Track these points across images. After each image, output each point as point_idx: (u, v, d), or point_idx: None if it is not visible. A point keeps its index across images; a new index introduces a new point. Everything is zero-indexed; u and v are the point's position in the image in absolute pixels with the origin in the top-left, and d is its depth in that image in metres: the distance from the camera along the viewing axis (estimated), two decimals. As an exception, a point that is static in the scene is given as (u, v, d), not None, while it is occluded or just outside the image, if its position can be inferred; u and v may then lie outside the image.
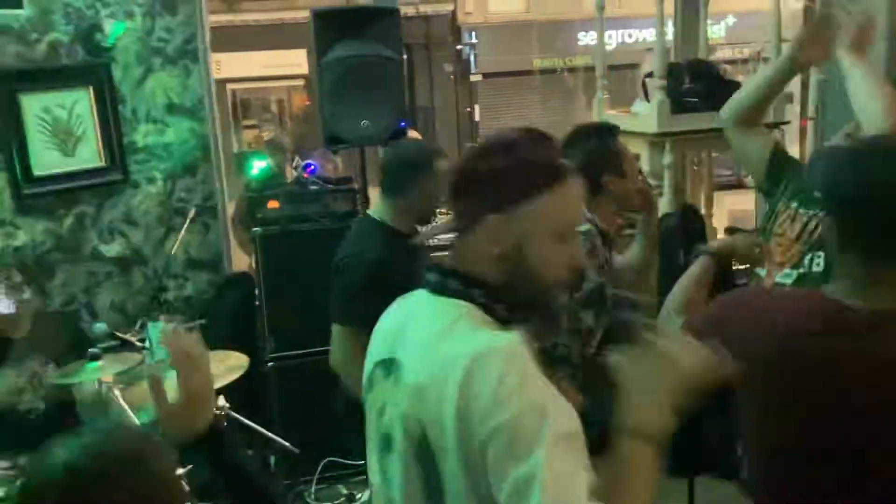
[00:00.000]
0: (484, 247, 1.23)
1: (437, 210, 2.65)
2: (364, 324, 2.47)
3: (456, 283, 1.25)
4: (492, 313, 1.23)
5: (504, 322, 1.22)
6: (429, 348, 1.20)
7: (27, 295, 2.78)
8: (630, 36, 15.04)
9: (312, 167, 4.12)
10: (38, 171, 3.44)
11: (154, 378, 1.34)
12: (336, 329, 2.52)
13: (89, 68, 3.53)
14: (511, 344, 1.14)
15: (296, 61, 12.80)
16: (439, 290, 1.27)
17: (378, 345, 1.37)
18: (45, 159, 3.46)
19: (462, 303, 1.23)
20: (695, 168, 4.85)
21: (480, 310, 1.22)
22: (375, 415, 1.32)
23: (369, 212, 2.68)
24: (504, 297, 1.23)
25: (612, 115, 4.34)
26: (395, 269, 2.47)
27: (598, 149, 2.27)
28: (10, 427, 2.71)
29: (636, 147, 4.07)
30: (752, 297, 1.60)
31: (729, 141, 2.27)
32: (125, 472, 1.01)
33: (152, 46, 3.69)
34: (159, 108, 3.75)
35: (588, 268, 2.13)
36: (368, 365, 1.37)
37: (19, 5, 3.30)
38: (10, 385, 2.76)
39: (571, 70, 14.15)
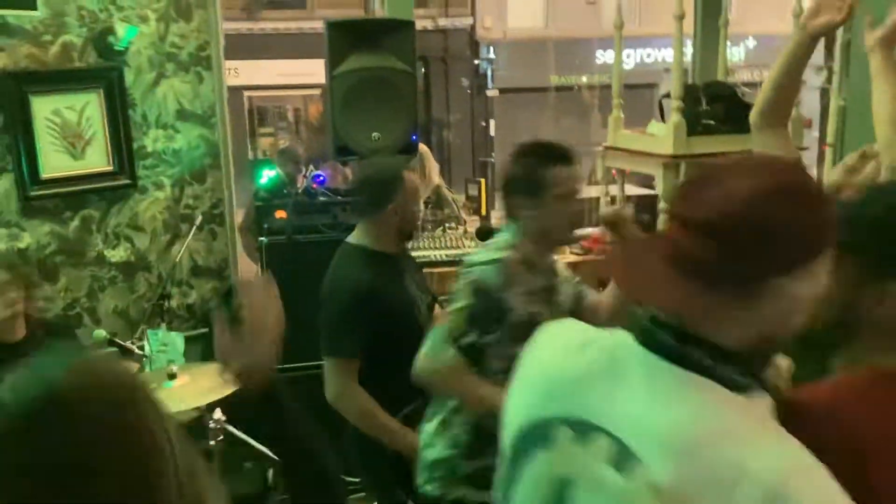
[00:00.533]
0: (752, 313, 0.99)
1: (419, 223, 2.62)
2: (354, 353, 2.44)
3: (705, 357, 1.00)
4: (735, 388, 1.00)
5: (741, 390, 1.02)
6: (690, 446, 0.96)
7: (14, 294, 2.73)
8: (648, 55, 15.00)
9: (322, 178, 4.09)
10: (45, 173, 3.42)
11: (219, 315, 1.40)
12: (328, 362, 2.46)
13: (101, 71, 3.51)
14: (810, 459, 0.95)
15: (312, 70, 12.83)
16: (675, 358, 1.01)
17: (547, 392, 1.12)
18: (53, 161, 3.44)
19: (708, 382, 1.00)
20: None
21: (722, 385, 1.00)
22: (547, 485, 1.08)
23: (348, 238, 2.62)
24: (749, 368, 1.02)
25: (627, 135, 4.29)
26: (381, 292, 2.42)
27: (522, 170, 2.09)
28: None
29: (650, 168, 4.02)
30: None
31: (753, 145, 2.20)
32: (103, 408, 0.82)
33: (165, 52, 3.67)
34: (170, 114, 3.73)
35: (517, 300, 2.04)
36: (525, 414, 1.13)
37: (33, 6, 3.28)
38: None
39: (589, 88, 14.10)
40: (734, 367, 1.00)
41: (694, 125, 3.84)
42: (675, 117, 3.78)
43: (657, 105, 4.44)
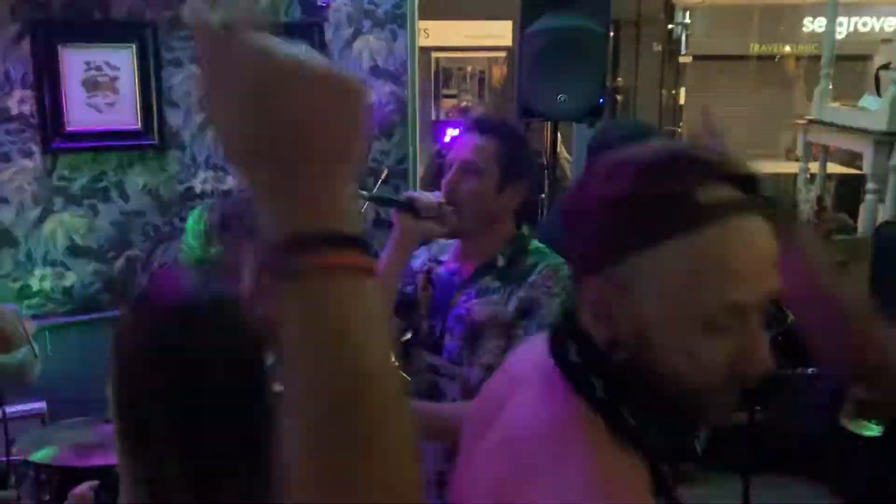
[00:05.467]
0: (588, 321, 0.86)
1: None
2: None
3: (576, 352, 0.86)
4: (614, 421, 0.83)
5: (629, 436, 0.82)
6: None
7: None
8: (864, 24, 13.71)
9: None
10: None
11: None
12: None
13: (304, 27, 3.68)
14: None
15: (500, 32, 12.81)
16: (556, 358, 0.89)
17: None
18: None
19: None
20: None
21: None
22: None
23: None
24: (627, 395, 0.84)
25: (835, 108, 3.97)
26: None
27: None
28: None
29: (859, 146, 3.70)
30: None
31: None
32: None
33: (363, 9, 3.79)
34: (364, 70, 3.85)
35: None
36: None
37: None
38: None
39: (795, 58, 13.15)
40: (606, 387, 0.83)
41: (915, 100, 3.49)
42: (893, 90, 3.44)
43: (873, 78, 4.08)
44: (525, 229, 1.96)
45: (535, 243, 1.94)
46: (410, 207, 1.78)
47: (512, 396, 0.91)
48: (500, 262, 1.88)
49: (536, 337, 0.98)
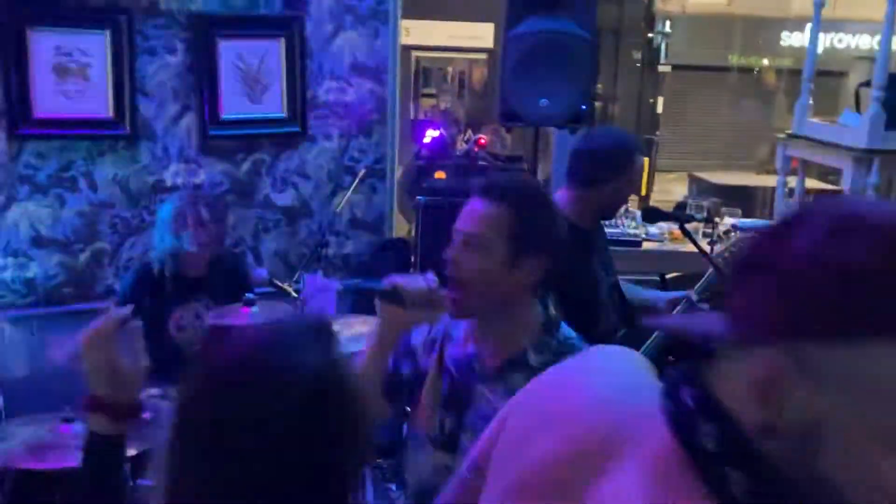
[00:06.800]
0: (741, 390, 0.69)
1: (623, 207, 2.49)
2: None
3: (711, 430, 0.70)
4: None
5: None
6: None
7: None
8: (840, 41, 13.89)
9: (484, 142, 4.06)
10: (224, 115, 3.56)
11: None
12: None
13: (285, 20, 3.60)
14: None
15: (481, 34, 12.77)
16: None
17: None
18: (233, 104, 3.57)
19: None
20: (902, 193, 4.37)
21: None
22: None
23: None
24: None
25: (815, 124, 3.97)
26: (563, 271, 2.29)
27: None
28: (169, 358, 2.81)
29: (838, 161, 3.71)
30: None
31: None
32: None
33: (345, 4, 3.72)
34: (344, 67, 3.79)
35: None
36: None
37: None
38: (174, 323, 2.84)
39: (777, 71, 13.25)
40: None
41: (894, 118, 3.50)
42: (873, 107, 3.45)
43: (853, 94, 4.10)
44: (552, 309, 1.66)
45: (564, 329, 1.66)
46: (395, 297, 1.49)
47: (603, 466, 0.76)
48: (533, 359, 1.58)
49: (629, 365, 0.86)
